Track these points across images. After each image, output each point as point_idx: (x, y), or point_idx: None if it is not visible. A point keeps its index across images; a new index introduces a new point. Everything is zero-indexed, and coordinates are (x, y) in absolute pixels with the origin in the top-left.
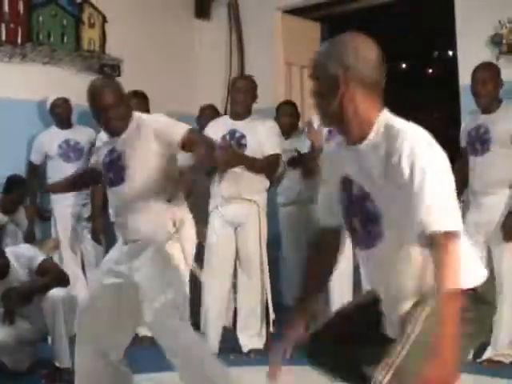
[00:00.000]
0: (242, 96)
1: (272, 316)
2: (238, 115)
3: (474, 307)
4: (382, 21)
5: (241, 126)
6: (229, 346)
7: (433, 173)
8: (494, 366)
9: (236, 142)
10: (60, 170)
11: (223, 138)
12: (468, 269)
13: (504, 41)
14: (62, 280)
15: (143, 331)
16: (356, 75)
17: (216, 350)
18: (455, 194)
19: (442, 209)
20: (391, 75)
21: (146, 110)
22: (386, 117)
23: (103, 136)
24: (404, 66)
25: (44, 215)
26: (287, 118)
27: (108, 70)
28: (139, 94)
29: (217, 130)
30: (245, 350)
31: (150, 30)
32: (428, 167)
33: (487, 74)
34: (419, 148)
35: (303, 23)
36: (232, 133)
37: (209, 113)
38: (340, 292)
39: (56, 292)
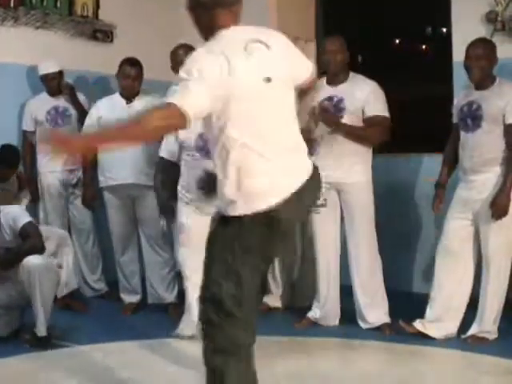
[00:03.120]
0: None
1: None
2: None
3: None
4: None
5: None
6: None
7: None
8: (478, 343)
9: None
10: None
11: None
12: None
13: (499, 18)
14: (37, 249)
15: (127, 299)
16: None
17: None
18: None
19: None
20: (385, 51)
21: (140, 78)
22: None
23: (102, 104)
24: (398, 41)
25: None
26: None
27: (101, 35)
28: (133, 61)
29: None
30: None
31: None
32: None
33: (481, 49)
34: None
35: None
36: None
37: None
38: (326, 259)
39: (32, 260)
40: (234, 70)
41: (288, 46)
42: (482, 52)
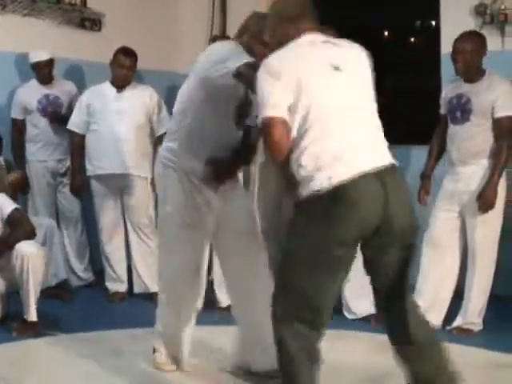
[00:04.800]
0: None
1: None
2: None
3: (325, 204)
4: None
5: None
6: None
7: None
8: (463, 334)
9: None
10: (38, 125)
11: None
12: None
13: (488, 11)
14: (28, 234)
15: (114, 287)
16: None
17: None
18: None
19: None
20: (373, 43)
21: (134, 68)
22: None
23: (92, 92)
24: (386, 34)
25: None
26: None
27: (89, 23)
28: (128, 51)
29: None
30: (223, 305)
31: None
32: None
33: (466, 42)
34: None
35: None
36: None
37: None
38: None
39: (25, 246)
40: (300, 58)
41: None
42: (467, 45)
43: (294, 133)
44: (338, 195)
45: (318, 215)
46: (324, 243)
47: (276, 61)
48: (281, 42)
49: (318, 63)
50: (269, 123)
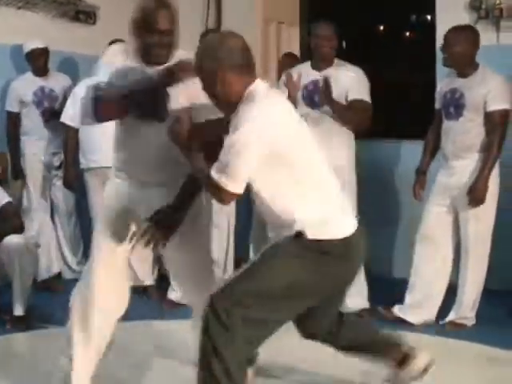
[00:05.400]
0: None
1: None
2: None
3: (317, 257)
4: None
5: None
6: None
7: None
8: (456, 329)
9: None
10: (34, 118)
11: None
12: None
13: (483, 5)
14: (17, 228)
15: None
16: (227, 64)
17: None
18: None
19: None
20: (369, 38)
21: None
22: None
23: (86, 85)
24: (382, 28)
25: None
26: None
27: (83, 16)
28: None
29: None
30: None
31: None
32: (236, 135)
33: (457, 35)
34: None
35: None
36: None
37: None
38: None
39: (12, 240)
40: (280, 116)
41: None
42: (457, 38)
43: (281, 178)
44: (344, 248)
45: (320, 261)
46: (312, 288)
47: (265, 123)
48: (226, 92)
49: (293, 119)
50: (227, 193)
